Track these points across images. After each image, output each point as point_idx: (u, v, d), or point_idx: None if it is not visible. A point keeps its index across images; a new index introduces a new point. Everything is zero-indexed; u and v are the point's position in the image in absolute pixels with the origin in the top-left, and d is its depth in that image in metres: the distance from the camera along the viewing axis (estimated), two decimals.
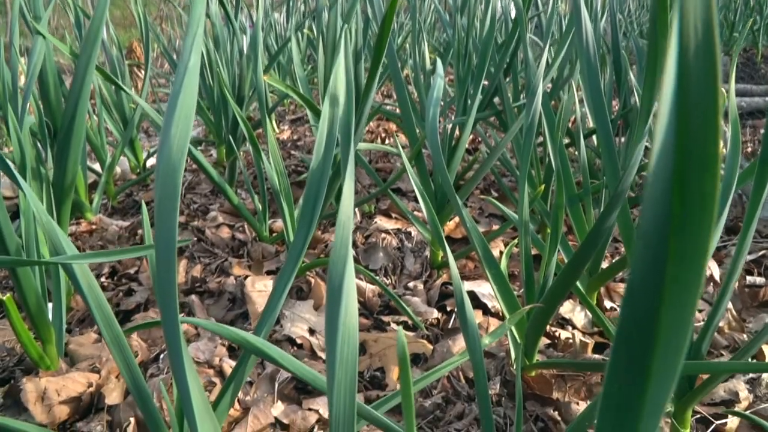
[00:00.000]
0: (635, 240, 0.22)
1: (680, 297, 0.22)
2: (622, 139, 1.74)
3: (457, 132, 1.51)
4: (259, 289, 1.04)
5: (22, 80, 1.56)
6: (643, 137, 0.69)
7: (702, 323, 1.13)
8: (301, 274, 1.09)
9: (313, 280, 1.09)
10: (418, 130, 1.42)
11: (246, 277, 1.07)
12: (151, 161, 2.17)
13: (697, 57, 0.20)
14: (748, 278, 1.26)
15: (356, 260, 1.19)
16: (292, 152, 2.04)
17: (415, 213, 1.40)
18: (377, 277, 1.17)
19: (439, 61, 1.14)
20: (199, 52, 0.48)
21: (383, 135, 2.17)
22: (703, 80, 0.20)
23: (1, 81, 0.98)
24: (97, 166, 1.83)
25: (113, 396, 0.78)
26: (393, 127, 2.22)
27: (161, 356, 0.91)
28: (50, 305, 0.98)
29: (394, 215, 1.37)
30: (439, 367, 0.75)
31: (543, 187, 1.10)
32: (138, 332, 0.96)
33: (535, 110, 0.90)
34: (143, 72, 3.73)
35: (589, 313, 1.14)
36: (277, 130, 2.46)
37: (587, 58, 0.80)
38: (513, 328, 0.93)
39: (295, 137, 2.37)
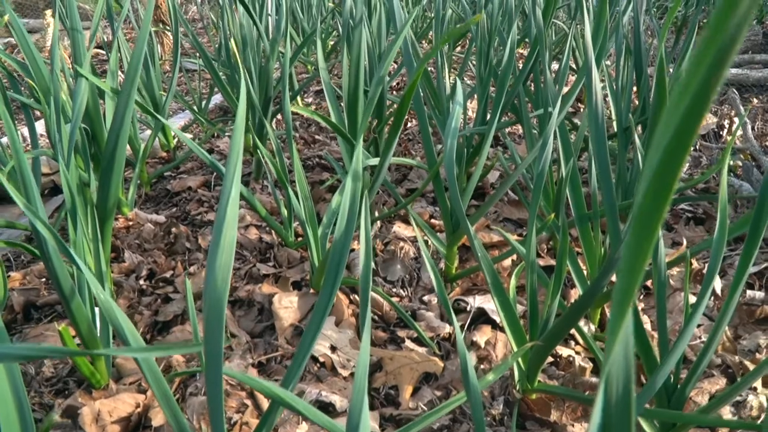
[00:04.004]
0: None
1: None
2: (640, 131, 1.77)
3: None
4: (285, 305, 1.13)
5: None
6: None
7: (699, 341, 1.21)
8: None
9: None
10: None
11: (273, 294, 1.16)
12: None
13: (617, 405, 0.27)
14: (748, 293, 1.32)
15: (375, 272, 1.28)
16: (317, 136, 2.10)
17: (432, 221, 1.47)
18: (394, 289, 1.25)
19: (459, 85, 1.18)
20: (239, 185, 0.55)
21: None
22: (620, 420, 0.27)
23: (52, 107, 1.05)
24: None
25: (158, 418, 0.88)
26: None
27: (198, 374, 1.01)
28: (97, 310, 1.08)
29: (412, 219, 1.44)
30: (443, 405, 0.83)
31: (552, 216, 1.16)
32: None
33: (546, 158, 0.95)
34: (170, 30, 3.74)
35: (592, 326, 1.22)
36: (301, 105, 2.50)
37: (596, 122, 0.85)
38: (515, 347, 1.01)
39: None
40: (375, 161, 1.27)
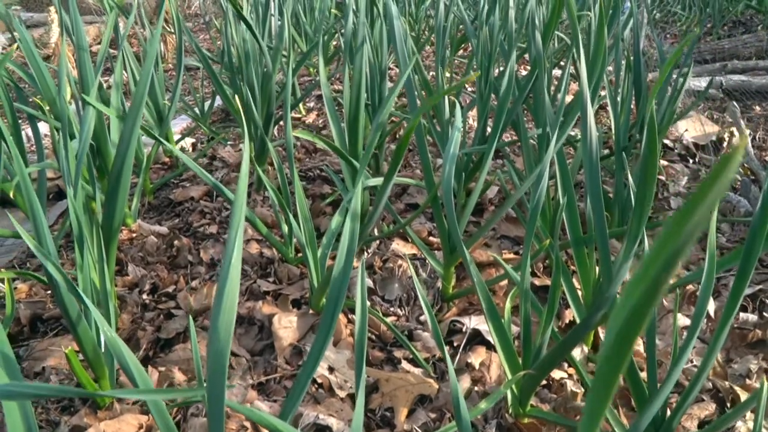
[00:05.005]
0: None
1: None
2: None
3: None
4: (285, 325, 1.15)
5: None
6: (630, 257, 0.77)
7: (691, 365, 1.23)
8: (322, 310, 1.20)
9: None
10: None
11: (274, 314, 1.18)
12: (181, 144, 2.27)
13: None
14: (741, 316, 1.34)
15: (373, 290, 1.30)
16: (317, 145, 2.12)
17: (430, 238, 1.49)
18: (391, 308, 1.28)
19: (458, 111, 1.20)
20: (241, 247, 0.57)
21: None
22: None
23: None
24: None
25: None
26: None
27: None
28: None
29: (410, 239, 1.46)
30: None
31: (549, 241, 1.19)
32: (178, 365, 1.09)
33: (542, 191, 0.97)
34: (173, 32, 3.75)
35: (585, 348, 1.25)
36: (303, 112, 2.52)
37: (590, 158, 0.87)
38: (509, 376, 1.04)
39: (320, 122, 2.44)
40: (376, 181, 1.30)
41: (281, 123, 2.38)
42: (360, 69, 1.30)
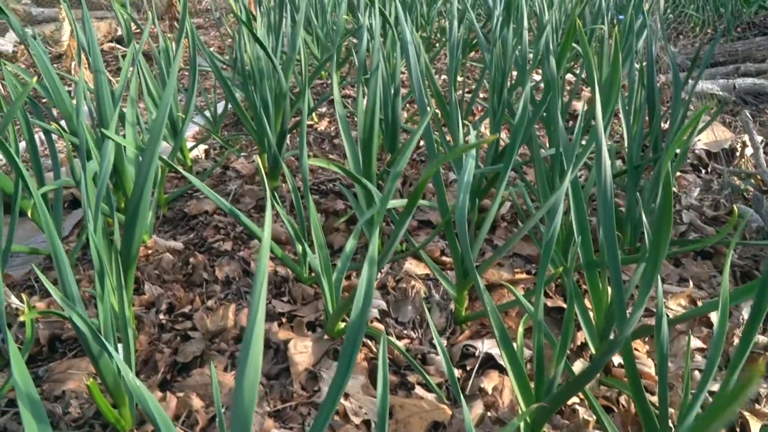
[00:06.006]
0: None
1: None
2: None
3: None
4: (300, 350, 1.17)
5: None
6: (644, 303, 0.78)
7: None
8: (338, 336, 1.22)
9: None
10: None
11: (289, 339, 1.20)
12: (194, 152, 2.29)
13: None
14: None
15: (386, 312, 1.31)
16: (330, 156, 2.13)
17: (443, 258, 1.50)
18: (405, 331, 1.29)
19: (472, 135, 1.21)
20: (264, 305, 0.58)
21: None
22: None
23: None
24: None
25: None
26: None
27: (216, 420, 1.05)
28: (120, 348, 1.13)
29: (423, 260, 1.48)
30: None
31: (561, 269, 1.20)
32: (195, 391, 1.11)
33: (555, 228, 0.98)
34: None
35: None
36: (316, 119, 2.53)
37: (604, 196, 0.88)
38: (523, 407, 1.05)
39: (332, 128, 2.44)
40: (392, 204, 1.31)
41: (294, 130, 2.39)
42: (374, 93, 1.31)
